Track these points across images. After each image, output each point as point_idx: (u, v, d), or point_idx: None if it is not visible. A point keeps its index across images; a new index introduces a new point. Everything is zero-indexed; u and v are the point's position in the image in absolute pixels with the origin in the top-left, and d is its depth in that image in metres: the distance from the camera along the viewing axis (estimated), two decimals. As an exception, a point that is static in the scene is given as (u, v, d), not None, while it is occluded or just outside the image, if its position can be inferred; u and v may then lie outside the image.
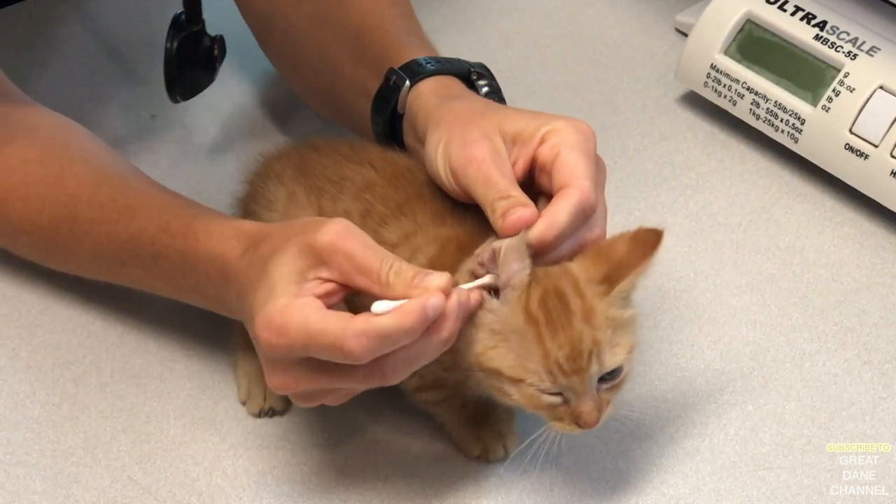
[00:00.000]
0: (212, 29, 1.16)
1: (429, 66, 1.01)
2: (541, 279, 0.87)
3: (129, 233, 0.99)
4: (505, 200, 0.88)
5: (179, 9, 1.14)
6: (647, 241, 0.88)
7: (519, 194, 0.89)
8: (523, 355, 0.87)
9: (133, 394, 1.02)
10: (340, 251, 0.86)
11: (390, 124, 1.03)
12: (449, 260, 0.89)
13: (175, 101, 1.15)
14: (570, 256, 0.89)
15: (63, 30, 1.31)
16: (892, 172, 1.12)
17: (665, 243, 1.11)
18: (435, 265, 0.89)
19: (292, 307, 0.85)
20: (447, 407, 0.97)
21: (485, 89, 1.03)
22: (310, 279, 0.87)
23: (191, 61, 1.14)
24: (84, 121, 1.09)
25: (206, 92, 1.19)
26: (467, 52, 1.08)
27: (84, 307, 1.08)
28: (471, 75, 1.03)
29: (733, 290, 1.10)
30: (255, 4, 1.17)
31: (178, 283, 0.98)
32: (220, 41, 1.15)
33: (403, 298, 0.84)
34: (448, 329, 0.85)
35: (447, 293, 0.84)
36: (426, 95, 0.99)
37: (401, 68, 1.01)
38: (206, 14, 1.15)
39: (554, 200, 0.88)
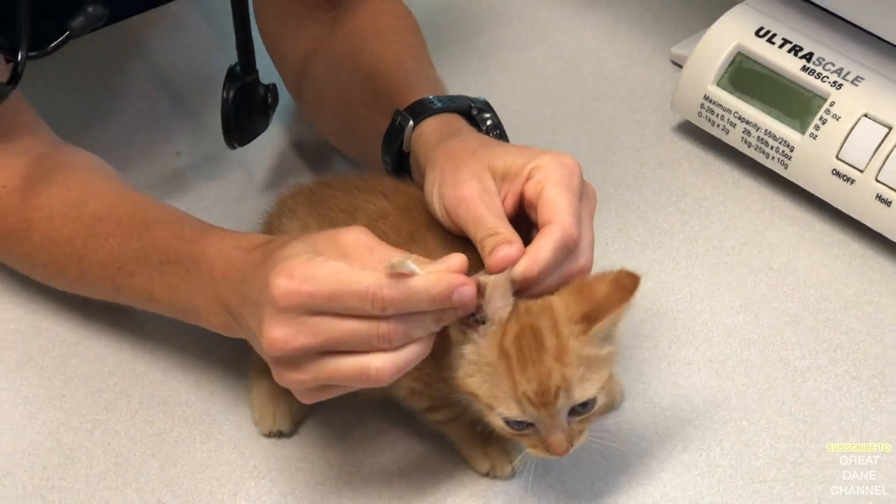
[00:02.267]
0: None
1: (432, 105, 1.04)
2: (521, 315, 0.89)
3: (141, 242, 1.00)
4: (492, 238, 0.90)
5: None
6: (626, 285, 0.89)
7: (506, 231, 0.90)
8: (495, 385, 0.89)
9: (161, 420, 1.04)
10: (363, 244, 0.89)
11: (398, 162, 1.05)
12: None
13: (232, 147, 1.17)
14: (556, 287, 0.90)
15: (89, 71, 1.32)
16: (877, 196, 1.13)
17: (662, 267, 1.13)
18: None
19: (319, 259, 0.87)
20: (456, 426, 0.99)
21: (488, 122, 1.05)
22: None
23: (247, 109, 1.15)
24: (109, 159, 1.10)
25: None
26: (473, 86, 1.10)
27: (114, 338, 1.09)
28: (471, 111, 1.05)
29: (728, 311, 1.11)
30: (290, 57, 1.20)
31: (177, 292, 0.99)
32: (273, 89, 1.16)
33: None
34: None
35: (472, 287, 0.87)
36: (427, 135, 1.01)
37: (406, 109, 1.04)
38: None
39: (537, 237, 0.90)
